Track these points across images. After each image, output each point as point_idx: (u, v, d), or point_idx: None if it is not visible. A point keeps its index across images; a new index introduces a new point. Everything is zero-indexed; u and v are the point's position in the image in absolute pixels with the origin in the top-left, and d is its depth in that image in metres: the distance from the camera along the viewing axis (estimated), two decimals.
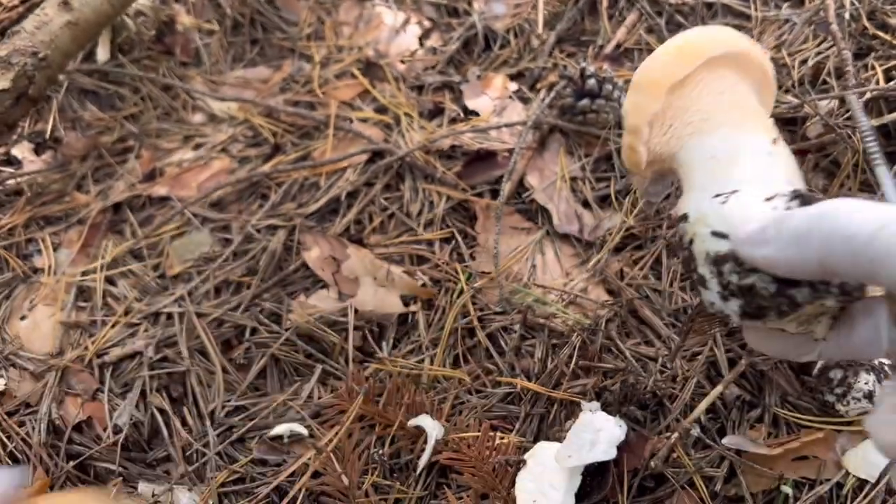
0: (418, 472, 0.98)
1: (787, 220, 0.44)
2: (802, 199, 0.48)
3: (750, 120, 0.55)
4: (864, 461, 0.92)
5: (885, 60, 1.21)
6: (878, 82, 1.17)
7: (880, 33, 1.24)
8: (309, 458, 1.00)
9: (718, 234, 0.49)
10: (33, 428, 1.06)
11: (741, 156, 0.52)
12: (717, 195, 0.50)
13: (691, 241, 0.51)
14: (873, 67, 1.20)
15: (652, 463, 0.93)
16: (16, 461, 1.05)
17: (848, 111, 1.15)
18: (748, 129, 0.54)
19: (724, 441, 0.94)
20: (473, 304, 1.12)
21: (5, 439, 1.05)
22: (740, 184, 0.51)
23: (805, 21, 1.32)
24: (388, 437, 1.01)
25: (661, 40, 1.40)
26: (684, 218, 0.52)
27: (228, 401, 1.08)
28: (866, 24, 1.26)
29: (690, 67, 0.54)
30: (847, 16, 1.27)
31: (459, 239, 1.19)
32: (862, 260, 0.39)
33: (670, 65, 0.55)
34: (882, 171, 0.50)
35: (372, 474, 0.98)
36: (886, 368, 0.94)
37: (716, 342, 1.02)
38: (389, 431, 1.01)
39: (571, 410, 1.00)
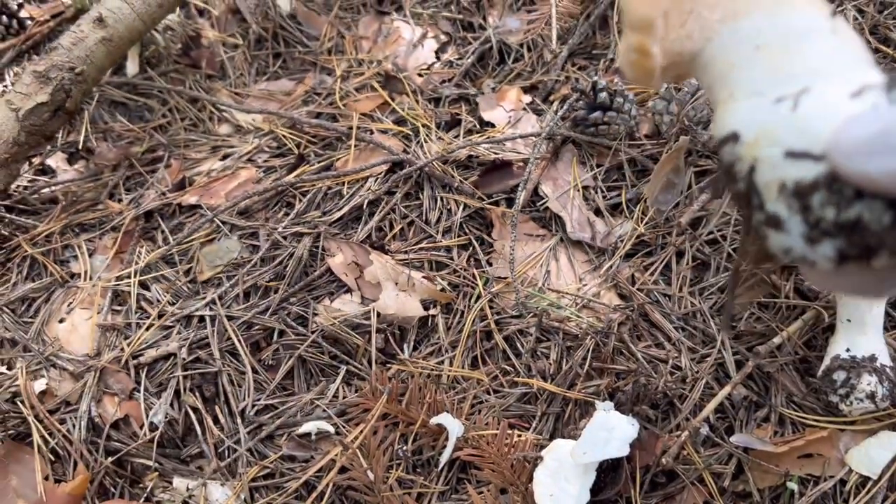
0: (440, 467, 1.03)
1: None
2: None
3: None
4: (867, 459, 0.96)
5: None
6: None
7: (883, 47, 1.29)
8: (336, 455, 1.05)
9: (798, 155, 0.36)
10: (74, 425, 1.12)
11: (798, 39, 0.39)
12: (779, 99, 0.37)
13: (752, 171, 0.38)
14: None
15: (663, 460, 0.97)
16: (58, 456, 1.10)
17: None
18: (794, 1, 0.41)
19: (732, 439, 0.98)
20: (491, 307, 1.17)
21: (47, 436, 1.11)
22: (807, 78, 0.38)
23: None
24: (411, 435, 1.06)
25: None
26: (733, 138, 0.39)
27: (258, 400, 1.13)
28: (869, 38, 1.30)
29: None
30: None
31: (476, 245, 1.25)
32: None
33: None
34: None
35: (396, 470, 1.03)
36: (889, 372, 0.98)
37: (724, 345, 1.06)
38: (412, 429, 1.06)
39: (586, 410, 1.05)
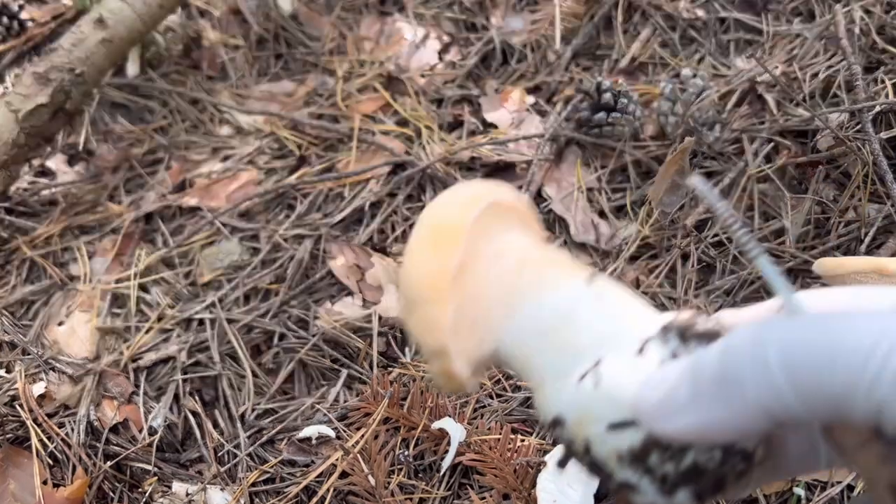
0: (442, 472, 1.02)
1: (698, 372, 0.35)
2: (681, 333, 0.39)
3: (550, 267, 0.45)
4: None
5: (895, 74, 1.24)
6: (887, 96, 1.20)
7: (890, 48, 1.27)
8: (336, 459, 1.04)
9: (619, 426, 0.38)
10: (72, 429, 1.11)
11: (572, 315, 0.42)
12: (581, 377, 0.40)
13: (587, 449, 0.40)
14: (883, 81, 1.23)
15: None
16: (56, 461, 1.09)
17: (858, 123, 1.18)
18: (556, 279, 0.44)
19: None
20: None
21: (46, 440, 1.10)
22: (595, 349, 0.40)
23: (816, 36, 1.35)
24: (413, 439, 1.05)
25: (675, 54, 1.44)
26: (559, 423, 0.41)
27: (258, 404, 1.12)
28: (876, 38, 1.29)
29: (458, 248, 0.44)
30: (857, 30, 1.30)
31: None
32: (856, 401, 0.30)
33: (437, 256, 0.44)
34: (763, 263, 0.37)
35: (397, 475, 1.02)
36: None
37: None
38: (414, 434, 1.04)
39: None
